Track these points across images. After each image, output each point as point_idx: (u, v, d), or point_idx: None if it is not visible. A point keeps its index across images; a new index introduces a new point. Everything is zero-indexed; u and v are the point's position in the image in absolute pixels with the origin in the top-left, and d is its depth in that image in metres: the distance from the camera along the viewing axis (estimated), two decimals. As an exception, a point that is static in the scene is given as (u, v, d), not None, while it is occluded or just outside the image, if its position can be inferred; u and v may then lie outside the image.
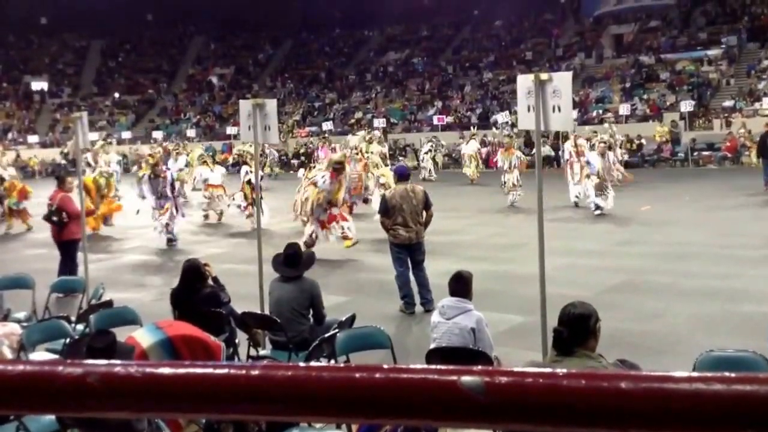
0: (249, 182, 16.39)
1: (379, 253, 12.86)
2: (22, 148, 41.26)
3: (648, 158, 29.10)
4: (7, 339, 5.46)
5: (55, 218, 10.52)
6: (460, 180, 25.66)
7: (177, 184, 14.84)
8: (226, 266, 10.39)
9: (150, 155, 16.50)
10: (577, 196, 17.02)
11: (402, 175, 9.52)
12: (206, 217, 18.11)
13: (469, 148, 26.11)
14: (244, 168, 16.68)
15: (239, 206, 16.59)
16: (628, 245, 12.74)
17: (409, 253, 9.04)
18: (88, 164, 18.48)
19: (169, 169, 15.79)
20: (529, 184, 7.39)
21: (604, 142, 16.74)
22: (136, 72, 55.59)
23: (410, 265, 9.08)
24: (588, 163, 16.31)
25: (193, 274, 6.63)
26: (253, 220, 15.93)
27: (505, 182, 18.52)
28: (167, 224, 14.27)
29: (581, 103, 34.42)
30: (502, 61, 44.05)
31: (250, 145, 18.13)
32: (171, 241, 14.38)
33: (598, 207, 15.87)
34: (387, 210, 8.98)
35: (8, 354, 5.38)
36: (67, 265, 10.41)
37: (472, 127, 29.46)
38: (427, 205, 9.08)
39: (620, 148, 17.89)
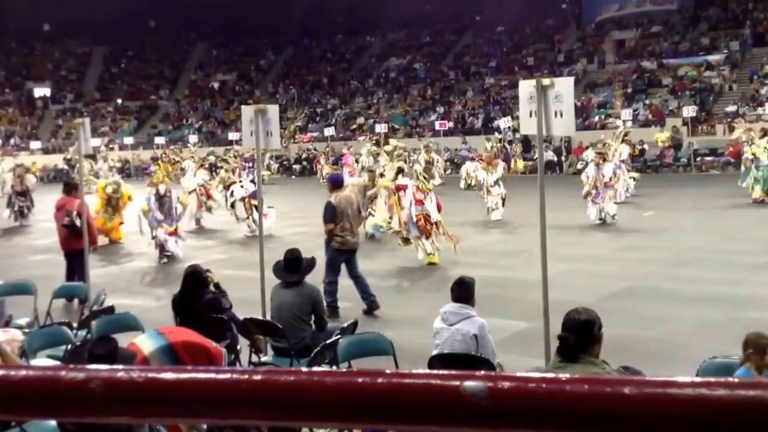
0: (242, 199, 16.38)
1: (381, 258, 12.87)
2: (24, 154, 41.35)
3: (651, 164, 29.09)
4: (8, 345, 5.46)
5: (78, 223, 10.35)
6: (461, 185, 25.66)
7: (179, 207, 14.32)
8: (227, 272, 10.39)
9: (158, 164, 16.42)
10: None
11: (338, 183, 9.90)
12: (197, 221, 17.95)
13: (470, 166, 26.26)
14: (235, 187, 16.63)
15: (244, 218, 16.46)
16: (631, 251, 12.72)
17: (348, 259, 9.35)
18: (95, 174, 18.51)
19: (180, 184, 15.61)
20: (531, 189, 7.36)
21: (600, 153, 16.63)
22: (139, 78, 55.74)
23: (348, 271, 9.41)
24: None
25: (194, 279, 6.63)
26: (250, 224, 16.01)
27: (488, 204, 17.06)
28: (166, 241, 13.52)
29: (583, 108, 34.43)
30: (504, 67, 44.08)
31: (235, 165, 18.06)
32: (167, 257, 13.62)
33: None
34: (335, 216, 9.20)
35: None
36: (78, 273, 10.20)
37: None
38: (359, 211, 9.66)
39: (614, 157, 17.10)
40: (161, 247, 13.57)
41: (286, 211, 19.32)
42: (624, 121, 26.61)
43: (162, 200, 13.72)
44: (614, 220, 15.57)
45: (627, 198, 18.85)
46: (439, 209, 12.37)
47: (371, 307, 9.20)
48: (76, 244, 10.14)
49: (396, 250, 13.00)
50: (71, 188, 10.93)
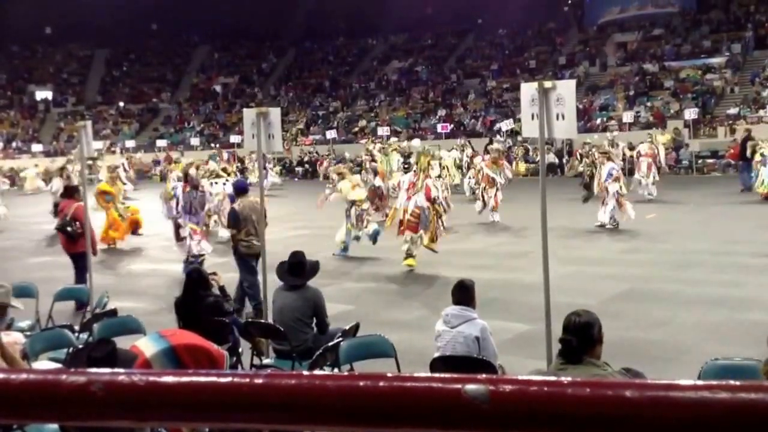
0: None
1: (383, 262, 12.86)
2: (26, 157, 41.41)
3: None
4: (10, 348, 5.46)
5: (69, 228, 10.44)
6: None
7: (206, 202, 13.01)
8: (229, 275, 10.38)
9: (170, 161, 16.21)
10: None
11: (242, 189, 10.08)
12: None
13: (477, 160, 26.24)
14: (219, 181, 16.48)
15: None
16: (633, 253, 12.71)
17: (255, 263, 9.45)
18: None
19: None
20: (532, 191, 7.37)
21: (604, 153, 16.57)
22: (141, 81, 55.83)
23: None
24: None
25: (196, 282, 6.63)
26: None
27: (485, 201, 17.03)
28: (191, 247, 12.00)
29: (585, 111, 34.42)
30: (506, 70, 44.11)
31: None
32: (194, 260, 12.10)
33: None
34: (239, 222, 9.41)
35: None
36: (78, 276, 10.23)
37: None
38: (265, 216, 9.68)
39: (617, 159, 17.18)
40: (188, 252, 12.11)
41: (287, 213, 19.33)
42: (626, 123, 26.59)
43: (194, 194, 12.01)
44: (603, 226, 15.40)
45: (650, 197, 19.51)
46: (428, 198, 11.93)
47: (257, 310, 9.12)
48: (72, 247, 10.29)
49: (397, 253, 12.97)
50: (72, 192, 11.08)
